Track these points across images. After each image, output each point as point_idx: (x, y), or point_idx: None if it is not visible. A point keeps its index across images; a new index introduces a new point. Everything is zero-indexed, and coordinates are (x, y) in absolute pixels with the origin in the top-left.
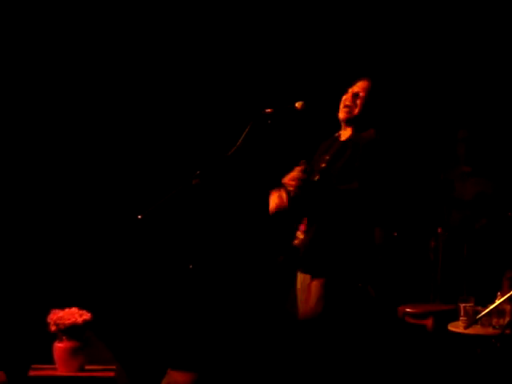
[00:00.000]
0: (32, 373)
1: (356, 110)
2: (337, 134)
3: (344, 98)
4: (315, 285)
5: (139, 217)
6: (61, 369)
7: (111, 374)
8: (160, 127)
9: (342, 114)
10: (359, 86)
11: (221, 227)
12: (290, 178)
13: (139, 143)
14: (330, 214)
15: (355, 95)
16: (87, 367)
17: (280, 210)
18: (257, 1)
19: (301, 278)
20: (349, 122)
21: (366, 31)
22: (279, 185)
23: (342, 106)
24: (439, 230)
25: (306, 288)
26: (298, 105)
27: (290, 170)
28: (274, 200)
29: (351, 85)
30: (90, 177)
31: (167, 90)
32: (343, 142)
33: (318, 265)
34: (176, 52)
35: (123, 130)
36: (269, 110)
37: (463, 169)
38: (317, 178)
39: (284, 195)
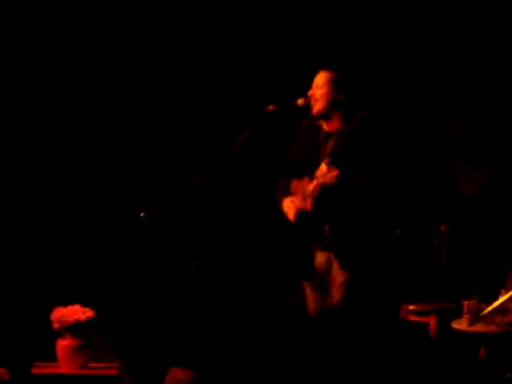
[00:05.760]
0: (35, 370)
1: (320, 104)
2: (318, 124)
3: (309, 93)
4: (341, 279)
5: (142, 214)
6: (64, 366)
7: (114, 371)
8: (162, 125)
9: (312, 111)
10: (316, 79)
11: (223, 225)
12: (318, 184)
13: (142, 141)
14: (355, 208)
15: (316, 89)
16: (90, 365)
17: (303, 214)
18: (256, 2)
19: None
20: (325, 115)
21: (364, 28)
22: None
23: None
24: (442, 228)
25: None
26: (300, 101)
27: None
28: (293, 206)
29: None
30: (92, 175)
31: (169, 89)
32: (335, 132)
33: (350, 259)
34: (178, 50)
35: (126, 128)
36: (270, 108)
37: (463, 167)
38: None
39: (308, 199)
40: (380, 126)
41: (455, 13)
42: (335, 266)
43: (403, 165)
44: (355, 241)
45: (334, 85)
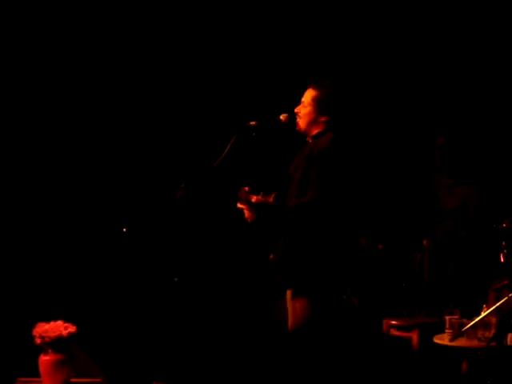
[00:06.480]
0: None
1: (302, 122)
2: (308, 139)
3: (295, 110)
4: (295, 299)
5: (124, 230)
6: (47, 382)
7: None
8: (144, 140)
9: (297, 128)
10: (304, 96)
11: (206, 240)
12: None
13: (124, 157)
14: (289, 231)
15: (302, 106)
16: (73, 380)
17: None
18: (239, 16)
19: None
20: (305, 131)
21: (347, 44)
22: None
23: None
24: (424, 243)
25: (289, 300)
26: (282, 117)
27: (276, 181)
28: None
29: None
30: (75, 190)
31: (151, 104)
32: (306, 150)
33: (291, 278)
34: (159, 66)
35: (108, 143)
36: (253, 123)
37: (446, 181)
38: (271, 198)
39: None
40: (335, 151)
41: (438, 28)
42: None
43: (355, 188)
44: (296, 266)
45: (318, 105)
